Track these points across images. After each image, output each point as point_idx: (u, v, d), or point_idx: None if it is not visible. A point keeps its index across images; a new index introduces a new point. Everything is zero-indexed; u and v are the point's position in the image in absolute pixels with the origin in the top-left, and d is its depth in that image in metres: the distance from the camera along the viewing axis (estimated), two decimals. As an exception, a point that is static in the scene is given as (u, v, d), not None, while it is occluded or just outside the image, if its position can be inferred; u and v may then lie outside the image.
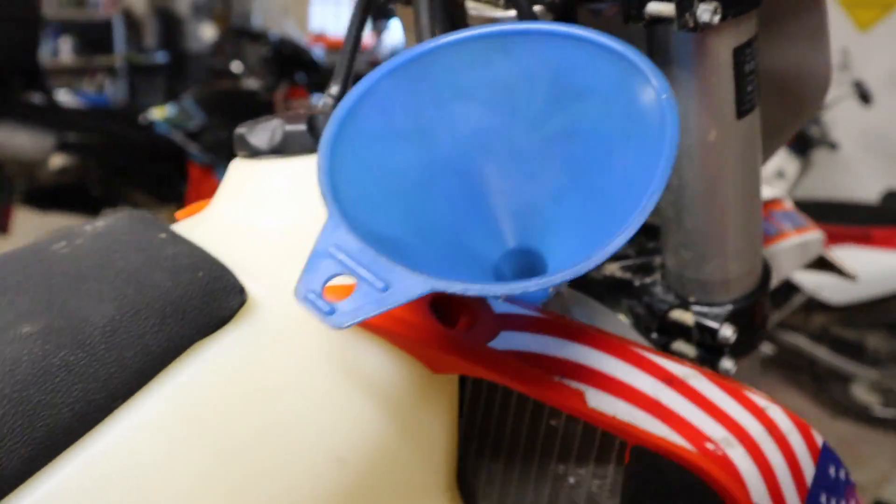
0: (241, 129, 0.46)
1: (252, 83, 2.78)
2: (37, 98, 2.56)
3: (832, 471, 0.47)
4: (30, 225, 2.41)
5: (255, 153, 0.45)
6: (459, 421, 0.45)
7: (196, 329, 0.34)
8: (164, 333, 0.33)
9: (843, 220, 2.20)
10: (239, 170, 0.46)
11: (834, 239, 2.17)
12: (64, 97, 3.34)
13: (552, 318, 0.40)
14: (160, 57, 4.46)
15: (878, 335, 2.28)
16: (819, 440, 0.45)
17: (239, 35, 3.48)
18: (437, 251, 0.40)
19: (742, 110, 0.47)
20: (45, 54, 4.17)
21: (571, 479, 0.44)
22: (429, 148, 0.41)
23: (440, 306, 0.39)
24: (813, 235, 0.86)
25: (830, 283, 2.15)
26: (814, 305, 2.26)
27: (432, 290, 0.30)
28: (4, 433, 0.29)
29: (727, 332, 0.54)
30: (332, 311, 0.31)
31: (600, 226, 0.34)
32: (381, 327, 0.37)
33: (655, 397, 0.40)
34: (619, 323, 0.54)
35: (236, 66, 3.16)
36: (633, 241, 0.65)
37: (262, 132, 0.45)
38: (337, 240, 0.33)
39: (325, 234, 0.33)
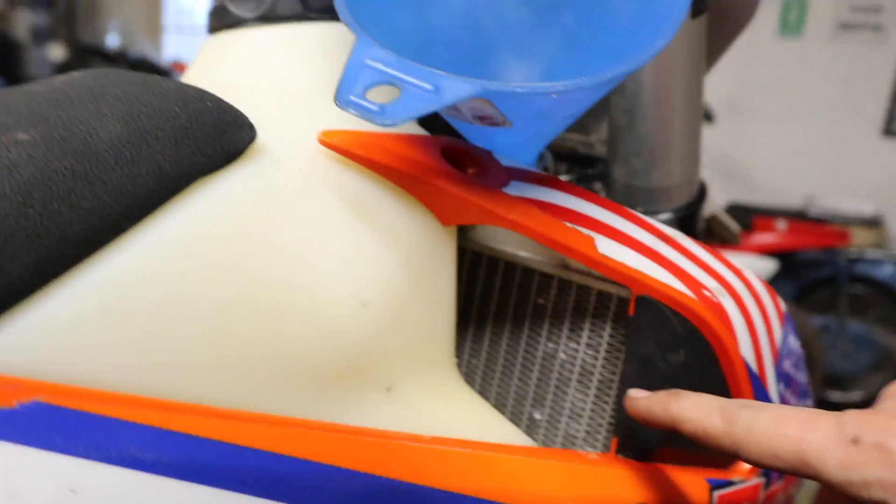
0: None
1: None
2: None
3: (792, 340, 0.49)
4: None
5: (237, 23, 0.42)
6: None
7: (209, 158, 0.31)
8: (177, 157, 0.30)
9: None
10: (215, 42, 0.43)
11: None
12: None
13: (550, 176, 0.41)
14: (-3, 84, 4.13)
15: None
16: (783, 306, 0.48)
17: (90, 55, 3.28)
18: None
19: (696, 10, 0.51)
20: None
21: (562, 356, 0.44)
22: (421, 17, 0.41)
23: (450, 157, 0.38)
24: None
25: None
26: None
27: (484, 92, 0.30)
28: (5, 237, 0.25)
29: None
30: (381, 111, 0.29)
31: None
32: (398, 169, 0.35)
33: (655, 249, 0.41)
34: None
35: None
36: (571, 170, 0.67)
37: (246, 0, 0.43)
38: (373, 54, 0.31)
39: (358, 50, 0.32)
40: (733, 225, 1.05)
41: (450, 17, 0.42)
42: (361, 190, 0.35)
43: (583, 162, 0.68)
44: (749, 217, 2.49)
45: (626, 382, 0.41)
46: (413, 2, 0.40)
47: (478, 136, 0.39)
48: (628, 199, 0.59)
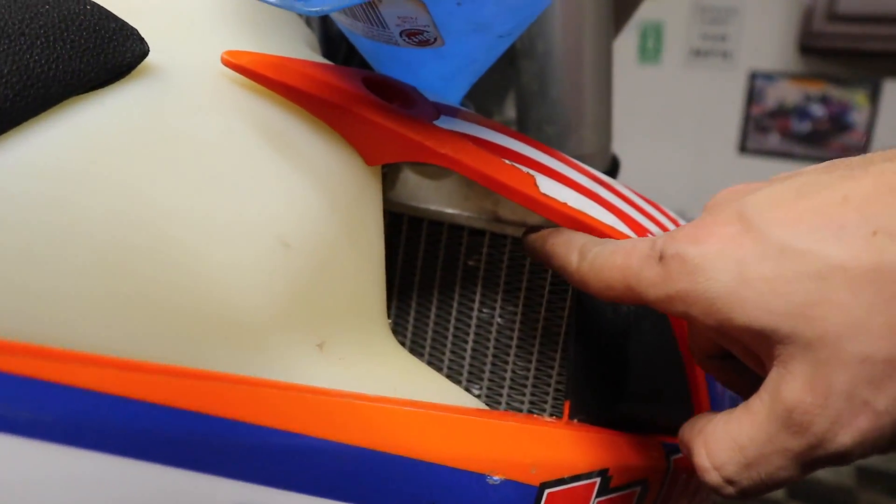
0: None
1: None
2: None
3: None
4: None
5: None
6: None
7: (90, 68, 0.26)
8: (49, 59, 0.24)
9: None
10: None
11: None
12: None
13: (481, 116, 0.37)
14: None
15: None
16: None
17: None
18: None
19: None
20: None
21: (499, 321, 0.40)
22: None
23: (372, 88, 0.33)
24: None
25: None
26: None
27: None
28: None
29: None
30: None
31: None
32: (315, 95, 0.31)
33: (595, 191, 0.38)
34: None
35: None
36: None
37: None
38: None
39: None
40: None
41: None
42: (276, 119, 0.30)
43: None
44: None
45: (574, 340, 0.37)
46: None
47: (399, 69, 0.35)
48: (542, 171, 0.56)
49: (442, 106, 0.35)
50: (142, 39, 0.28)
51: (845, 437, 0.22)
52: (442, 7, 0.28)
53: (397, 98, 0.34)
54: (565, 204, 0.35)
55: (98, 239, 0.24)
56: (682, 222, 0.44)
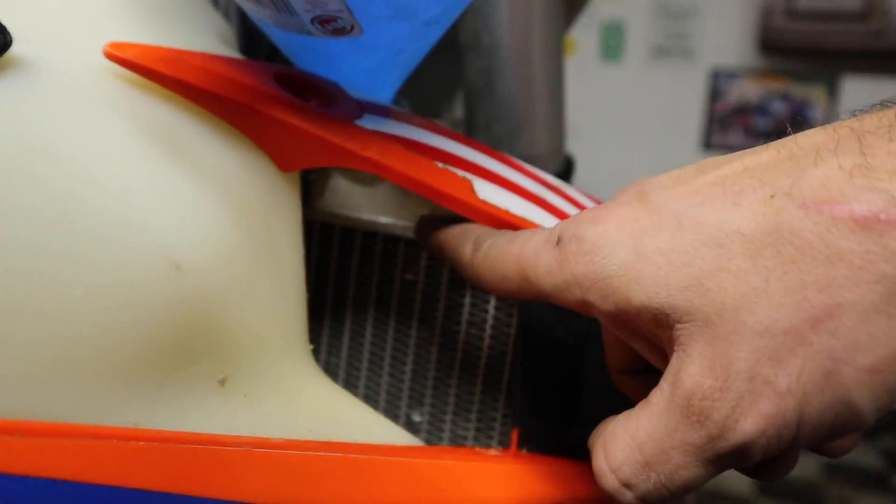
0: None
1: None
2: None
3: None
4: None
5: None
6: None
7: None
8: None
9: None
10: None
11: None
12: None
13: (415, 116, 0.33)
14: None
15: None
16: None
17: None
18: None
19: None
20: None
21: (440, 340, 0.37)
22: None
23: (286, 86, 0.30)
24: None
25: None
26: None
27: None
28: None
29: None
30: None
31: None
32: (216, 93, 0.27)
33: (540, 195, 0.34)
34: None
35: None
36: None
37: None
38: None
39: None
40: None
41: None
42: (167, 120, 0.26)
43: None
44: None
45: (522, 361, 0.34)
46: None
47: (319, 62, 0.31)
48: (493, 173, 0.53)
49: (368, 104, 0.31)
50: (3, 29, 0.24)
51: (747, 424, 0.20)
52: (325, 62, 0.24)
53: (315, 96, 0.30)
54: (507, 211, 0.32)
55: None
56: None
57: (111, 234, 0.23)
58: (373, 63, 0.31)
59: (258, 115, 0.27)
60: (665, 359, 0.23)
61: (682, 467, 0.21)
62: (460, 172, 0.31)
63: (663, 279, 0.21)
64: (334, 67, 0.31)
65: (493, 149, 0.45)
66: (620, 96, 2.88)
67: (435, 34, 0.31)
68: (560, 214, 0.34)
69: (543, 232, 0.26)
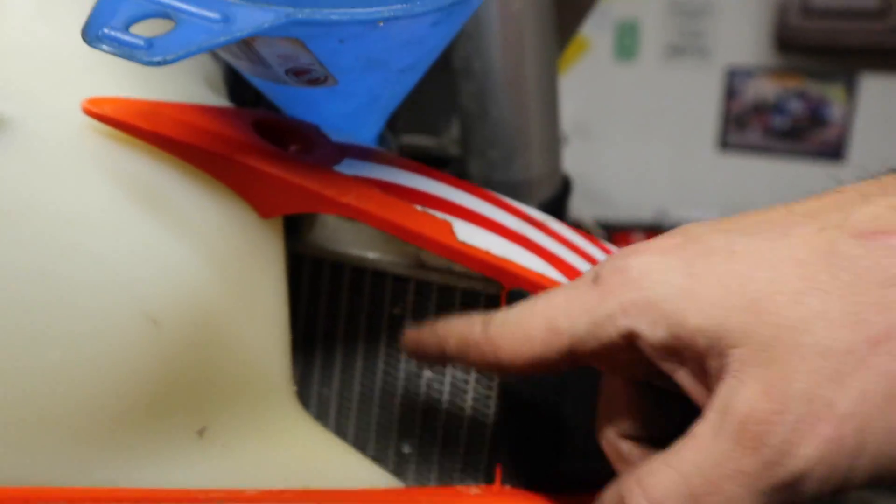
0: None
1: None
2: None
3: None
4: None
5: None
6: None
7: None
8: None
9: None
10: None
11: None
12: None
13: (395, 155, 0.34)
14: None
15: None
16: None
17: None
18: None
19: None
20: None
21: (428, 373, 0.37)
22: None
23: (265, 133, 0.30)
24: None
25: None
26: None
27: (288, 22, 0.22)
28: None
29: None
30: (149, 45, 0.21)
31: None
32: (197, 146, 0.27)
33: (524, 234, 0.34)
34: None
35: None
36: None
37: None
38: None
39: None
40: (599, 232, 1.03)
41: None
42: (145, 172, 0.27)
43: (435, 164, 0.62)
44: (608, 234, 2.55)
45: (506, 397, 0.34)
46: None
47: (299, 107, 0.32)
48: (488, 196, 0.53)
49: (348, 147, 0.32)
50: (-19, 92, 0.25)
51: (806, 449, 0.19)
52: (322, 46, 0.25)
53: (295, 141, 0.31)
54: (487, 252, 0.32)
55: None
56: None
57: (88, 291, 0.24)
58: (351, 109, 0.32)
59: (237, 164, 0.28)
60: (708, 391, 0.22)
61: (733, 499, 0.20)
62: (440, 214, 0.31)
63: (720, 300, 0.21)
64: (315, 112, 0.32)
65: (479, 181, 0.45)
66: (635, 96, 2.86)
67: (411, 79, 0.32)
68: (542, 252, 0.34)
69: (571, 282, 0.25)
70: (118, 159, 0.26)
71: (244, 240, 0.29)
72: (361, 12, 0.23)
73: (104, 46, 0.21)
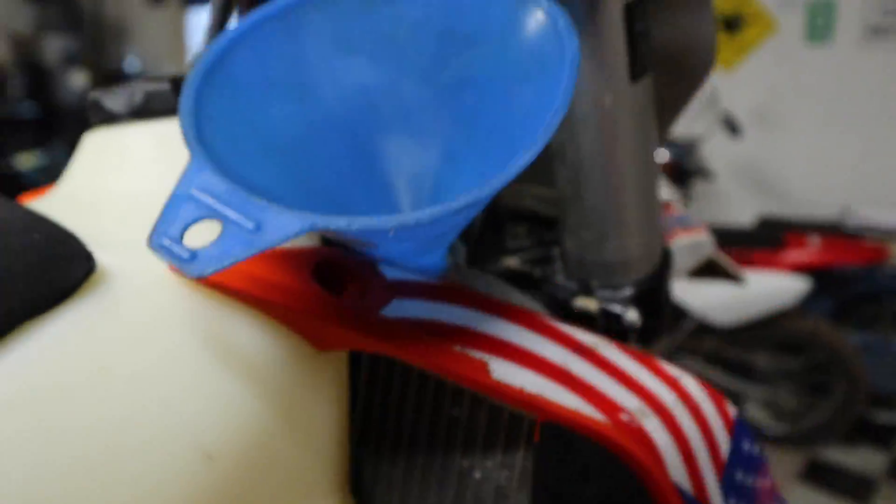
0: (95, 94, 0.41)
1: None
2: None
3: (746, 446, 0.44)
4: None
5: (111, 118, 0.39)
6: (352, 414, 0.40)
7: (32, 301, 0.28)
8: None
9: (725, 244, 2.29)
10: (92, 140, 0.40)
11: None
12: None
13: (450, 285, 0.37)
14: (26, 109, 4.15)
15: (764, 354, 2.38)
16: (732, 412, 0.43)
17: (112, 81, 3.32)
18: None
19: (635, 72, 0.46)
20: None
21: (477, 475, 0.40)
22: (311, 102, 0.37)
23: (325, 274, 0.34)
24: (702, 237, 0.87)
25: (718, 306, 2.23)
26: (704, 329, 2.33)
27: (312, 228, 0.26)
28: None
29: (633, 315, 0.52)
30: (192, 258, 0.26)
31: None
32: (258, 296, 0.32)
33: (565, 367, 0.36)
34: (523, 298, 0.50)
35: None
36: (531, 232, 0.63)
37: (119, 95, 0.40)
38: (201, 182, 0.28)
39: (187, 176, 0.28)
40: (732, 267, 0.99)
41: (343, 102, 0.38)
42: (218, 320, 0.32)
43: (544, 222, 0.63)
44: (780, 232, 2.40)
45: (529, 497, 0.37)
46: (302, 87, 0.37)
47: (360, 246, 0.35)
48: (582, 271, 0.54)
49: (400, 284, 0.35)
50: (88, 257, 0.31)
51: None
52: (367, 248, 0.28)
53: (349, 283, 0.34)
54: (521, 390, 0.34)
55: (25, 465, 0.27)
56: (686, 382, 0.41)
57: (153, 432, 0.29)
58: (408, 249, 0.34)
59: (295, 311, 0.32)
60: None
61: None
62: (477, 354, 0.34)
63: None
64: (374, 250, 0.35)
65: (574, 258, 0.46)
66: (825, 82, 2.63)
67: (459, 226, 0.34)
68: (580, 386, 0.35)
69: None
70: (193, 308, 0.31)
71: (302, 370, 0.33)
72: (371, 221, 0.26)
73: (161, 254, 0.26)
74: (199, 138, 0.30)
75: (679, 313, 2.30)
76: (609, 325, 0.53)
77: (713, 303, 2.23)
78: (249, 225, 0.26)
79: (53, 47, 3.85)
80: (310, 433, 0.34)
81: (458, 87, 0.37)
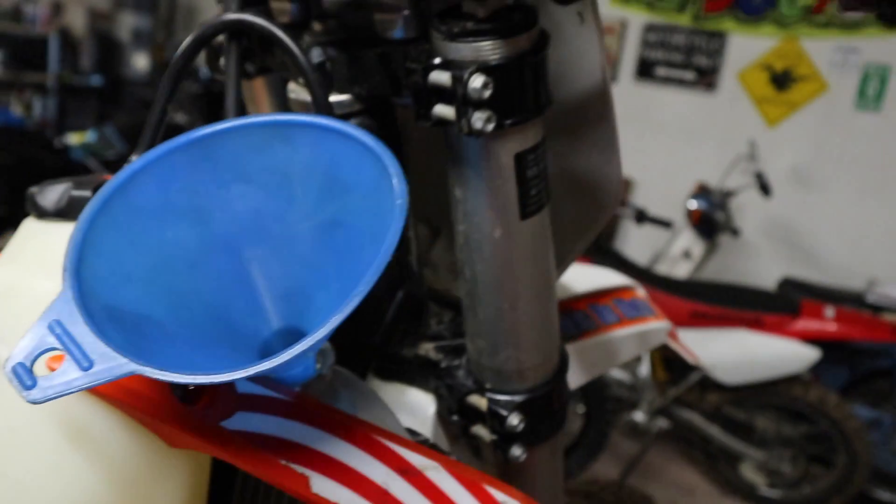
0: (33, 189, 0.47)
1: (180, 118, 2.77)
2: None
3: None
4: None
5: (42, 214, 0.46)
6: None
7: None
8: None
9: (739, 303, 2.29)
10: (26, 229, 0.46)
11: (728, 321, 2.26)
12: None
13: (298, 400, 0.42)
14: (95, 80, 4.38)
15: (766, 417, 2.36)
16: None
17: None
18: (200, 327, 0.41)
19: (526, 212, 0.50)
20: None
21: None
22: (204, 226, 0.43)
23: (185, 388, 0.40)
24: (656, 325, 0.90)
25: (724, 363, 2.23)
26: (708, 384, 2.33)
27: (133, 373, 0.32)
28: None
29: (514, 420, 0.56)
30: (32, 385, 0.31)
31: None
32: (112, 396, 0.37)
33: (385, 487, 0.41)
34: (383, 408, 0.54)
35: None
36: (454, 321, 0.67)
37: (50, 193, 0.46)
38: (62, 313, 0.33)
39: (54, 306, 0.34)
40: (688, 354, 1.02)
41: (235, 226, 0.44)
42: (79, 409, 0.38)
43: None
44: (799, 295, 2.38)
45: None
46: (198, 212, 0.42)
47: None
48: (479, 373, 0.58)
49: (247, 398, 0.40)
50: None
51: None
52: None
53: (205, 391, 0.40)
54: (336, 504, 0.39)
55: None
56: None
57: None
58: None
59: (146, 416, 0.38)
60: None
61: None
62: (300, 469, 0.39)
63: None
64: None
65: (472, 358, 0.51)
66: (870, 150, 2.59)
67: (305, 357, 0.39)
68: (394, 507, 0.40)
69: None
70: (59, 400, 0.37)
71: (155, 463, 0.39)
72: (197, 378, 0.31)
73: (8, 376, 0.32)
74: (75, 271, 0.35)
75: (686, 366, 2.31)
76: (494, 425, 0.57)
77: (721, 359, 2.24)
78: (84, 363, 0.32)
79: (127, 24, 4.03)
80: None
81: (334, 226, 0.42)
